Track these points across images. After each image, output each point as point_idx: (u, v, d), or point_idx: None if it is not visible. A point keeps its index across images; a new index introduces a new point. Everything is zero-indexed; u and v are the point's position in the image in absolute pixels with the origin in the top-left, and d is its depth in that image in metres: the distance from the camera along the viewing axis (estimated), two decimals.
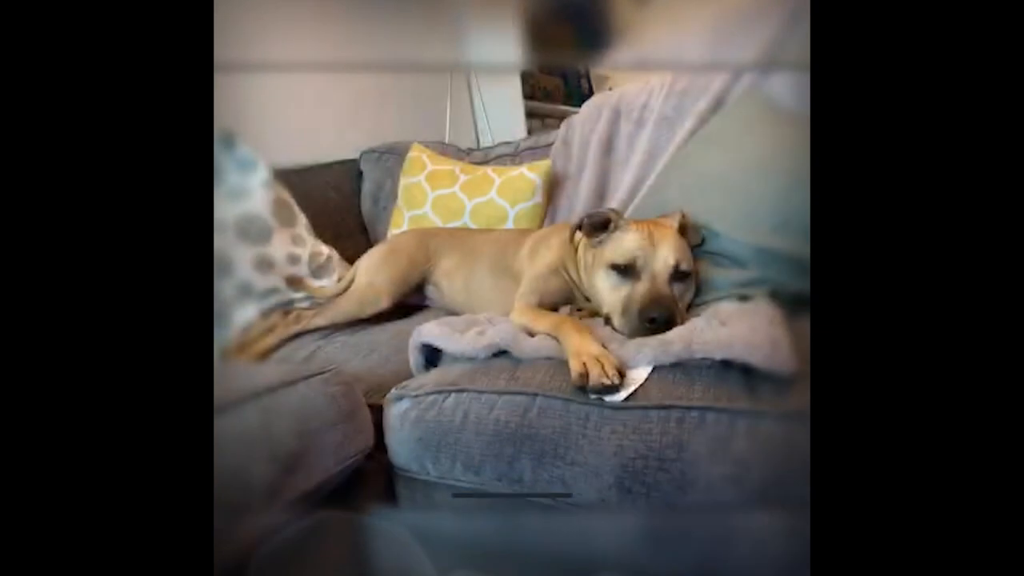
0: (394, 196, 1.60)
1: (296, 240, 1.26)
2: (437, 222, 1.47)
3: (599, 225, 0.89)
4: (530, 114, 2.47)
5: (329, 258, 1.31)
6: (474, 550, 0.73)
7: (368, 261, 1.25)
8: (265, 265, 1.18)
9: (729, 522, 0.62)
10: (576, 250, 0.98)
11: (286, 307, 1.19)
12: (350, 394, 0.75)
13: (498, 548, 0.72)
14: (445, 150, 1.69)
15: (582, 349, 0.69)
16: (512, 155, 1.63)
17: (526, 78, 2.49)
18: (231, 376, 0.72)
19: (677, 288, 0.82)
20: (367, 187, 1.71)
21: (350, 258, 1.32)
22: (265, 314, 1.14)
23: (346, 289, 1.21)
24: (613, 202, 1.34)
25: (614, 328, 0.81)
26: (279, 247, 1.21)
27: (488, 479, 0.69)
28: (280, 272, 1.19)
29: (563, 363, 0.71)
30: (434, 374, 0.79)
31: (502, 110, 2.40)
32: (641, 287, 0.80)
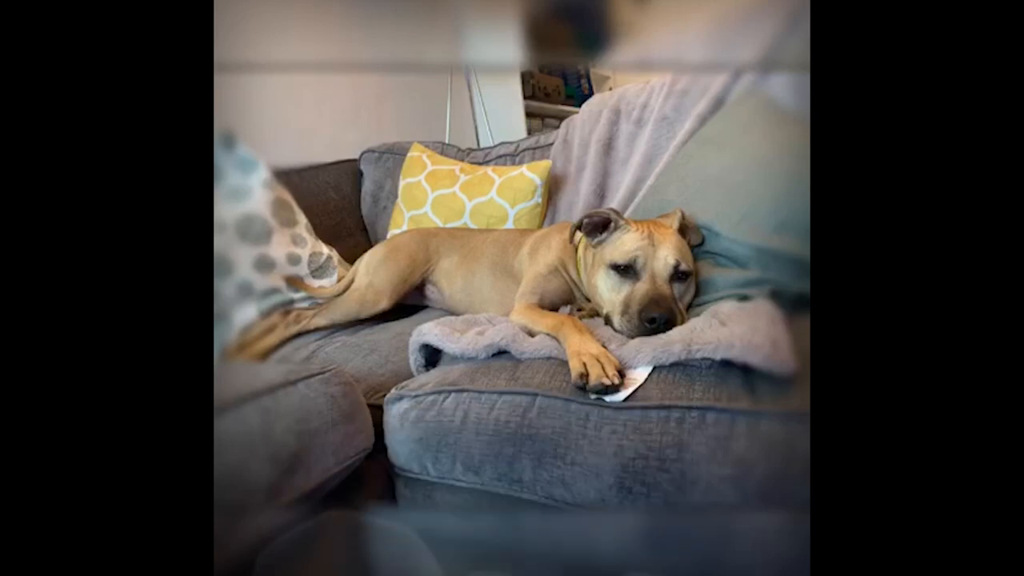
0: (394, 196, 1.60)
1: (296, 240, 1.26)
2: (437, 222, 1.47)
3: (599, 225, 0.89)
4: (530, 114, 2.47)
5: (329, 258, 1.31)
6: (474, 550, 0.72)
7: (368, 261, 1.25)
8: (265, 265, 1.18)
9: (729, 522, 0.62)
10: (576, 250, 0.98)
11: (286, 307, 1.19)
12: (350, 394, 0.75)
13: (498, 549, 0.72)
14: (445, 150, 1.69)
15: (582, 349, 0.69)
16: (512, 155, 1.63)
17: (526, 78, 2.50)
18: (231, 376, 0.72)
19: (677, 288, 0.82)
20: (367, 187, 1.71)
21: (350, 258, 1.32)
22: (265, 314, 1.14)
23: (346, 289, 1.21)
24: (613, 202, 1.34)
25: (614, 328, 0.81)
26: (279, 247, 1.21)
27: (488, 479, 0.69)
28: (280, 272, 1.19)
29: (563, 363, 0.71)
30: (434, 374, 0.79)
31: (502, 110, 2.40)
32: (641, 287, 0.80)
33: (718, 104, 1.21)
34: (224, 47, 0.48)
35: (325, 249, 1.32)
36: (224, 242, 1.13)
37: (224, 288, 1.12)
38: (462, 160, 1.63)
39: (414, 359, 0.86)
